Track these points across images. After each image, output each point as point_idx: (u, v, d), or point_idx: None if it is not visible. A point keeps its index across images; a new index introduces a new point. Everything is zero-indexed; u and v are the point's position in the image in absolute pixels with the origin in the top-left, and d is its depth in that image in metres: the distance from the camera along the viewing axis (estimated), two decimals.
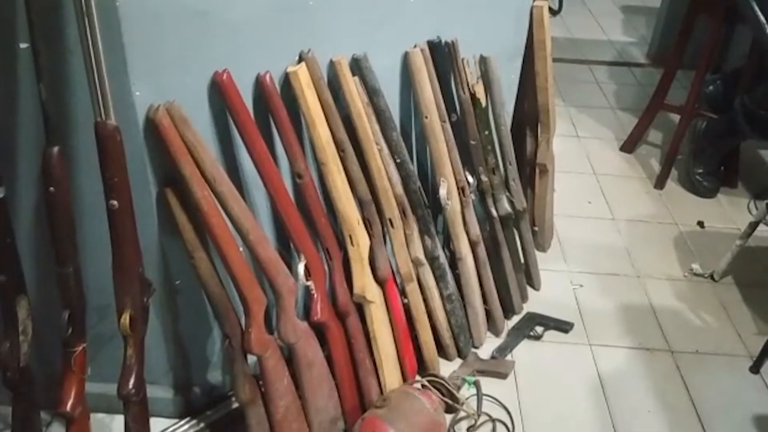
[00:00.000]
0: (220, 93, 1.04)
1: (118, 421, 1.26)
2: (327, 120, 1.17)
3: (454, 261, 1.46)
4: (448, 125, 1.37)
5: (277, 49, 1.10)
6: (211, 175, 1.05)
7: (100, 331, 1.16)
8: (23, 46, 0.92)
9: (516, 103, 1.59)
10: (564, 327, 1.57)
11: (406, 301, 1.38)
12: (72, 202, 0.96)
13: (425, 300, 1.40)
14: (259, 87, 1.09)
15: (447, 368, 1.44)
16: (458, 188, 1.41)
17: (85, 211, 1.02)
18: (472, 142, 1.42)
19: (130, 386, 1.04)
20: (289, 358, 1.21)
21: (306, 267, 1.19)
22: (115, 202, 0.96)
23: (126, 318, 1.02)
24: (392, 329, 1.34)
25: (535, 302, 1.65)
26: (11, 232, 0.98)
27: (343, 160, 1.20)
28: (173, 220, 1.08)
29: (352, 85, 1.19)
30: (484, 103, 1.42)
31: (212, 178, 1.05)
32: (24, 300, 1.03)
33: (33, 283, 1.04)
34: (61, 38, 0.91)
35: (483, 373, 1.45)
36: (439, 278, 1.41)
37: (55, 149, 0.92)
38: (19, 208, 1.04)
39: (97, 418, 1.16)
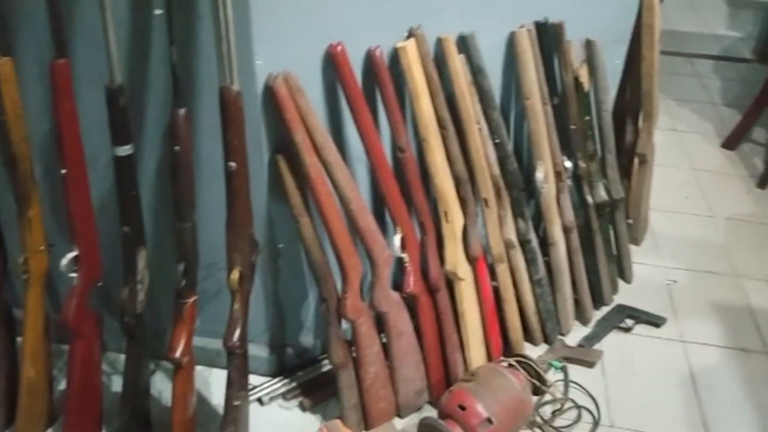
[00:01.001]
0: (333, 65, 1.08)
1: (215, 375, 1.34)
2: (431, 97, 1.19)
3: (546, 246, 1.45)
4: (549, 108, 1.36)
5: (387, 24, 1.13)
6: (320, 143, 1.09)
7: (206, 287, 1.23)
8: (158, 12, 0.99)
9: (619, 89, 1.56)
10: (656, 321, 1.54)
11: (495, 284, 1.39)
12: (193, 161, 1.03)
13: (514, 282, 1.40)
14: (369, 61, 1.12)
15: (532, 352, 1.44)
16: (555, 172, 1.40)
17: (203, 170, 1.08)
18: (572, 127, 1.41)
19: (235, 339, 1.10)
20: (380, 326, 1.25)
21: (402, 239, 1.22)
22: (233, 164, 1.02)
23: (236, 274, 1.08)
24: (480, 308, 1.35)
25: (626, 295, 1.62)
26: (136, 187, 1.06)
27: (443, 137, 1.22)
28: (282, 185, 1.13)
29: (457, 64, 1.20)
30: (586, 88, 1.40)
31: (321, 147, 1.09)
32: (143, 251, 1.11)
33: (150, 236, 1.12)
34: (194, 5, 0.98)
35: (569, 360, 1.44)
36: (529, 262, 1.41)
37: (182, 110, 0.99)
38: (143, 164, 1.11)
39: (196, 370, 1.23)
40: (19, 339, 1.20)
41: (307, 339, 1.38)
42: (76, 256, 1.07)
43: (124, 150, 1.01)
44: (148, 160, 1.12)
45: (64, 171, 1.01)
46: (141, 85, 1.05)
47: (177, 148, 1.00)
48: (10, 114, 1.00)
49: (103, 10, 0.91)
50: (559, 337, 1.51)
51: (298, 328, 1.36)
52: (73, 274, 1.08)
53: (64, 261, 1.06)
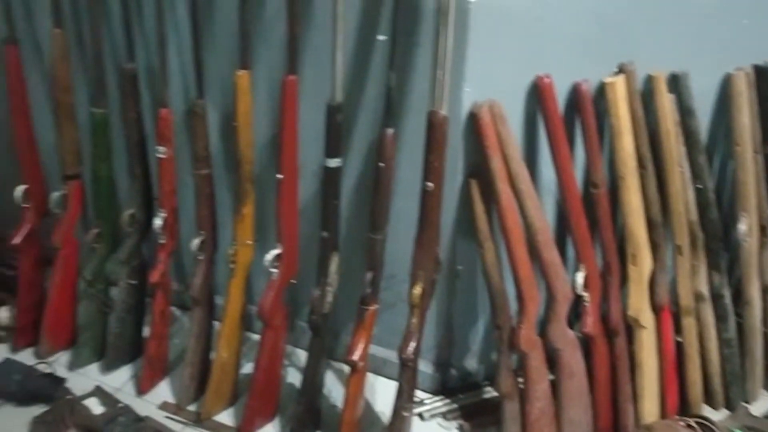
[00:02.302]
0: (538, 95, 1.09)
1: (380, 382, 1.39)
2: (634, 134, 1.15)
3: (739, 304, 1.34)
4: (760, 157, 1.27)
5: (598, 58, 1.12)
6: (515, 172, 1.10)
7: (383, 298, 1.29)
8: (381, 38, 1.06)
9: None
10: None
11: (678, 338, 1.30)
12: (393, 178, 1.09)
13: (700, 338, 1.31)
14: (575, 94, 1.12)
15: (711, 416, 1.33)
16: (759, 226, 1.30)
17: (400, 187, 1.13)
18: None
19: (410, 351, 1.14)
20: (552, 364, 1.22)
21: (585, 277, 1.19)
22: (430, 184, 1.06)
23: (418, 289, 1.12)
24: (659, 360, 1.28)
25: None
26: (339, 197, 1.14)
27: (641, 176, 1.18)
28: (471, 208, 1.16)
29: (666, 103, 1.15)
30: None
31: (515, 175, 1.10)
32: (336, 257, 1.19)
33: (344, 243, 1.19)
34: (415, 33, 1.04)
35: (753, 430, 1.31)
36: (720, 318, 1.31)
37: (390, 130, 1.05)
38: (347, 176, 1.19)
39: None
40: (215, 323, 1.35)
41: (472, 363, 1.39)
42: (278, 254, 1.17)
43: (334, 162, 1.10)
44: (353, 172, 1.20)
45: (280, 176, 1.12)
46: (356, 104, 1.14)
47: (381, 164, 1.07)
48: (241, 121, 1.12)
49: (335, 34, 1.00)
50: (743, 404, 1.38)
51: (465, 350, 1.38)
52: (274, 270, 1.18)
53: (268, 257, 1.17)
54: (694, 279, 1.27)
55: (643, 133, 1.16)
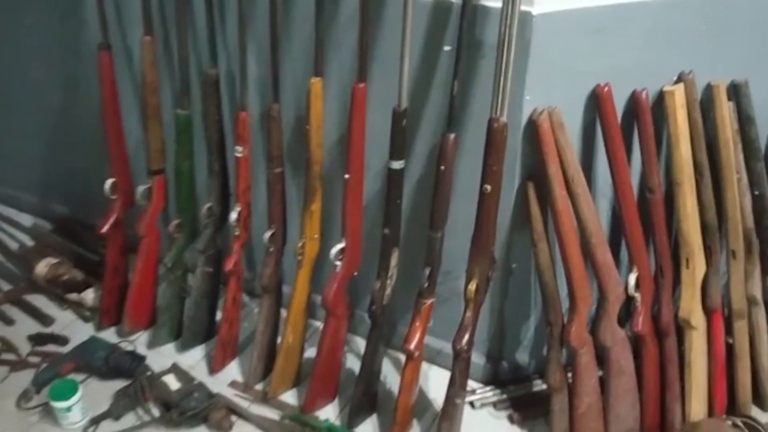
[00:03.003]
0: (597, 104, 1.13)
1: (433, 370, 1.47)
2: (691, 141, 1.18)
3: None
4: None
5: (658, 68, 1.15)
6: (572, 176, 1.15)
7: (440, 292, 1.35)
8: (447, 48, 1.12)
9: None
10: None
11: (730, 340, 1.32)
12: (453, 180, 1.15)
13: (751, 342, 1.33)
14: (633, 102, 1.15)
15: (760, 417, 1.35)
16: None
17: (459, 189, 1.19)
18: None
19: (464, 343, 1.20)
20: (601, 361, 1.27)
21: (637, 279, 1.23)
22: (488, 187, 1.12)
23: (473, 285, 1.18)
24: (709, 361, 1.31)
25: None
26: (401, 196, 1.21)
27: (698, 182, 1.20)
28: (527, 210, 1.21)
29: (725, 111, 1.18)
30: None
31: (572, 179, 1.15)
32: (396, 252, 1.26)
33: (404, 240, 1.26)
34: (479, 44, 1.09)
35: None
36: None
37: (452, 135, 1.11)
38: (409, 177, 1.25)
39: None
40: (282, 310, 1.44)
41: (523, 356, 1.45)
42: (342, 248, 1.25)
43: (398, 164, 1.16)
44: (414, 174, 1.27)
45: (347, 176, 1.19)
46: (420, 109, 1.20)
47: (442, 167, 1.13)
48: (313, 124, 1.20)
49: (403, 44, 1.06)
50: None
51: (516, 344, 1.43)
52: (338, 263, 1.26)
53: (333, 251, 1.25)
54: (748, 283, 1.29)
55: (700, 140, 1.18)
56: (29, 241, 1.86)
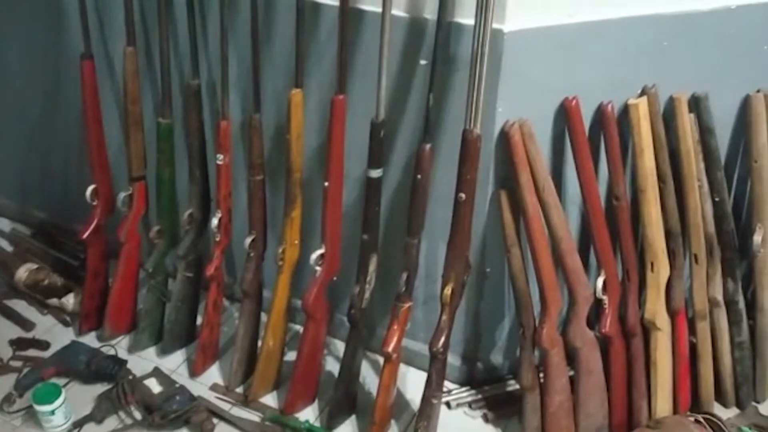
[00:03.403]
0: (565, 116, 1.18)
1: (411, 372, 1.50)
2: (654, 151, 1.24)
3: (752, 310, 1.42)
4: None
5: (623, 82, 1.20)
6: (542, 185, 1.20)
7: (417, 296, 1.40)
8: (423, 62, 1.17)
9: None
10: None
11: (693, 339, 1.39)
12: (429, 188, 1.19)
13: (714, 341, 1.39)
14: (600, 114, 1.20)
15: (722, 414, 1.41)
16: None
17: (435, 196, 1.23)
18: None
19: (440, 345, 1.25)
20: (571, 361, 1.32)
21: (604, 282, 1.28)
22: (463, 195, 1.16)
23: (449, 289, 1.23)
24: (673, 360, 1.37)
25: None
26: (379, 203, 1.25)
27: (661, 190, 1.26)
28: (500, 217, 1.25)
29: (686, 122, 1.23)
30: None
31: (542, 188, 1.20)
32: (375, 257, 1.29)
33: (381, 246, 1.30)
34: (453, 59, 1.14)
35: (761, 429, 1.39)
36: (732, 323, 1.39)
37: (428, 146, 1.15)
38: (387, 186, 1.29)
39: None
40: (262, 314, 1.47)
41: (497, 357, 1.50)
42: (322, 254, 1.28)
43: (376, 173, 1.21)
44: (392, 182, 1.31)
45: (327, 184, 1.23)
46: (397, 121, 1.24)
47: (419, 176, 1.17)
48: (294, 134, 1.24)
49: (381, 58, 1.10)
50: (753, 403, 1.46)
51: (491, 346, 1.48)
52: (318, 268, 1.29)
53: (313, 256, 1.28)
54: (710, 286, 1.35)
55: (663, 150, 1.24)
56: (8, 247, 1.86)
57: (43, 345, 1.56)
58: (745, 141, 1.32)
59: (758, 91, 1.28)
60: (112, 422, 1.39)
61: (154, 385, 1.44)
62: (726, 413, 1.43)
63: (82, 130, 1.48)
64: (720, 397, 1.44)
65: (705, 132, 1.26)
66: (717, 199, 1.31)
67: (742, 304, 1.38)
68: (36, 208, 1.93)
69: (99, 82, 1.44)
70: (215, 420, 1.39)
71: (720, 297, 1.36)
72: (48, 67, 1.65)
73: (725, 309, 1.37)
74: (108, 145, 1.50)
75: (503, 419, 1.43)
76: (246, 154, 1.35)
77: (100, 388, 1.43)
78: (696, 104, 1.25)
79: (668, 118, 1.25)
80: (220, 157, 1.34)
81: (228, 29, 1.24)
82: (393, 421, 1.40)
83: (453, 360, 1.47)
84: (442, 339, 1.25)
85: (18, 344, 1.56)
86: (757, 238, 1.35)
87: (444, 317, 1.26)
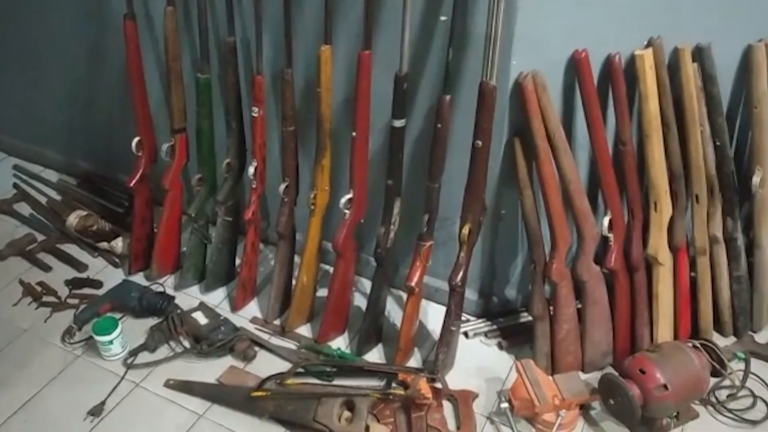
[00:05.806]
0: (575, 67, 1.26)
1: (431, 306, 1.63)
2: (659, 98, 1.32)
3: (751, 247, 1.52)
4: None
5: (630, 34, 1.27)
6: (553, 132, 1.29)
7: (437, 236, 1.51)
8: (443, 18, 1.25)
9: None
10: None
11: (693, 275, 1.49)
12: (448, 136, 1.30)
13: (713, 276, 1.50)
14: (608, 65, 1.28)
15: (720, 342, 1.52)
16: None
17: (454, 144, 1.33)
18: None
19: (459, 279, 1.37)
20: (579, 294, 1.44)
21: (610, 221, 1.39)
22: (479, 142, 1.26)
23: (467, 229, 1.34)
24: (675, 293, 1.48)
25: None
26: (402, 151, 1.35)
27: (665, 135, 1.35)
28: (513, 162, 1.36)
29: (690, 71, 1.31)
30: None
31: (553, 134, 1.30)
32: (399, 200, 1.41)
33: (405, 190, 1.41)
34: (471, 15, 1.22)
35: (756, 355, 1.50)
36: (732, 258, 1.49)
37: (448, 97, 1.25)
38: (409, 134, 1.39)
39: None
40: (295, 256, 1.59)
41: (511, 292, 1.62)
42: (350, 198, 1.40)
43: (400, 123, 1.31)
44: (414, 131, 1.41)
45: (354, 134, 1.33)
46: (419, 74, 1.33)
47: (439, 125, 1.27)
48: (323, 87, 1.34)
49: (404, 15, 1.19)
50: (750, 333, 1.57)
51: (505, 281, 1.61)
52: (346, 211, 1.41)
53: (342, 200, 1.40)
54: (710, 224, 1.45)
55: (667, 97, 1.32)
56: (56, 196, 2.00)
57: (97, 284, 1.71)
58: (747, 89, 1.40)
59: (760, 41, 1.35)
60: (163, 351, 1.54)
61: (200, 318, 1.57)
62: (724, 342, 1.54)
63: (126, 86, 1.59)
64: (719, 327, 1.55)
65: (707, 80, 1.34)
66: (718, 143, 1.39)
67: (740, 241, 1.48)
68: (81, 159, 2.07)
69: (141, 41, 1.54)
70: (256, 348, 1.54)
71: (720, 234, 1.46)
72: (93, 27, 1.74)
73: (725, 245, 1.48)
74: (150, 99, 1.61)
75: (516, 347, 1.56)
76: (279, 106, 1.45)
77: (151, 321, 1.57)
78: (699, 54, 1.32)
79: (673, 68, 1.32)
80: (255, 109, 1.45)
81: None
82: (416, 349, 1.54)
83: (470, 295, 1.60)
84: (461, 274, 1.38)
85: (73, 284, 1.71)
86: (756, 179, 1.44)
87: (462, 254, 1.38)
